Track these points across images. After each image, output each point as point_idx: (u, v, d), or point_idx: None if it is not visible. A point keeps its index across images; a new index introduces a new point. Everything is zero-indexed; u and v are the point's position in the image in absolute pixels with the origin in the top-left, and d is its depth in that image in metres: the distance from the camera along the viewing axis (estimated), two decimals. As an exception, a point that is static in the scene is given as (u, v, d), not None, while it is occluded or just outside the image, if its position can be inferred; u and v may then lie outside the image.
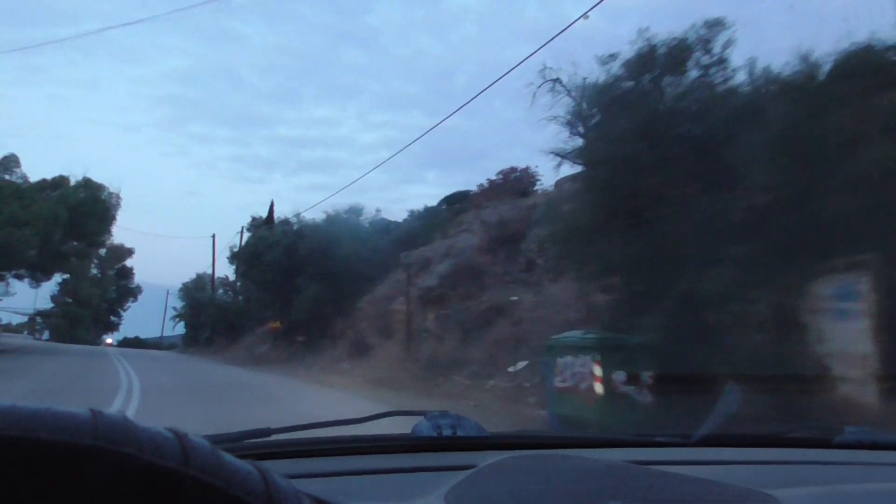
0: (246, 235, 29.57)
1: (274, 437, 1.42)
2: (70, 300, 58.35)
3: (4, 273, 25.72)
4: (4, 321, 47.82)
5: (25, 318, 51.42)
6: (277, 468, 1.00)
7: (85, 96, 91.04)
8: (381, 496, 1.17)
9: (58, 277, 61.26)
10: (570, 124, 11.80)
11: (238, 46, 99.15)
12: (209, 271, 38.27)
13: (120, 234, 74.45)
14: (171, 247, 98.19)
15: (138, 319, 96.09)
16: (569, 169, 12.55)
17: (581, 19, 10.12)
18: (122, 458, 0.43)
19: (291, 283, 24.33)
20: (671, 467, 1.25)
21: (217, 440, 1.25)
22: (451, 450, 1.44)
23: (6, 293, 28.41)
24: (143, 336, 63.50)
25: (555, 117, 12.16)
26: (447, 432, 1.45)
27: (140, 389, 12.67)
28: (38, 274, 26.99)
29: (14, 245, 20.95)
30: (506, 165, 24.48)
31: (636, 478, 1.03)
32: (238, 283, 32.26)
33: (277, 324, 27.44)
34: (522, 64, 13.51)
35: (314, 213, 26.14)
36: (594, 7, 9.57)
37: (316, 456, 1.37)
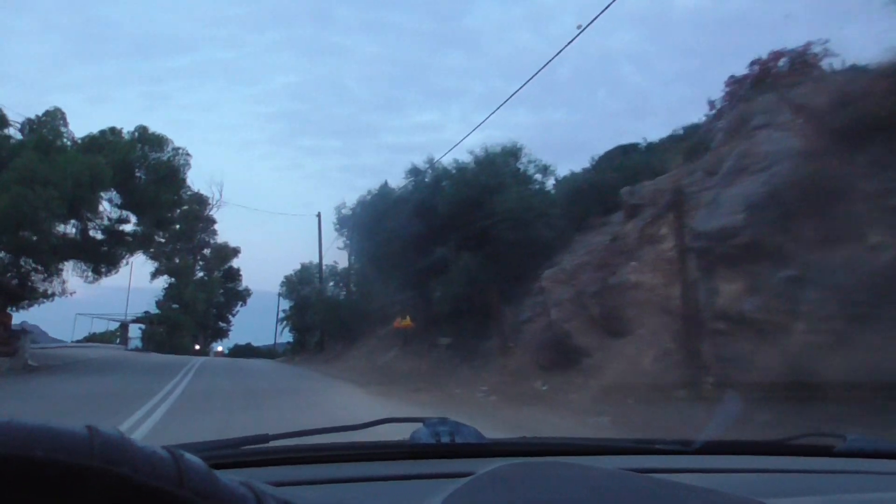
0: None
1: (272, 444, 1.41)
2: (176, 305, 54.11)
3: (27, 261, 19.01)
4: (97, 329, 43.21)
5: (134, 325, 46.87)
6: (275, 475, 1.18)
7: (204, 118, 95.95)
8: (378, 503, 1.15)
9: (163, 281, 58.08)
10: None
11: (342, 59, 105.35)
12: (316, 260, 31.09)
13: (225, 232, 70.41)
14: (281, 246, 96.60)
15: (250, 325, 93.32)
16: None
17: None
18: (118, 479, 0.43)
19: (428, 257, 16.11)
20: (671, 475, 1.21)
21: (215, 447, 1.34)
22: (450, 457, 1.43)
23: (62, 291, 21.89)
24: (255, 343, 60.16)
25: None
26: (445, 439, 1.44)
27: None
28: (82, 263, 20.17)
29: (27, 213, 13.86)
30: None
31: (635, 486, 0.98)
32: (351, 269, 24.44)
33: (408, 320, 19.33)
34: None
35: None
36: None
37: (314, 463, 1.38)
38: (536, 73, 14.31)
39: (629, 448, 1.63)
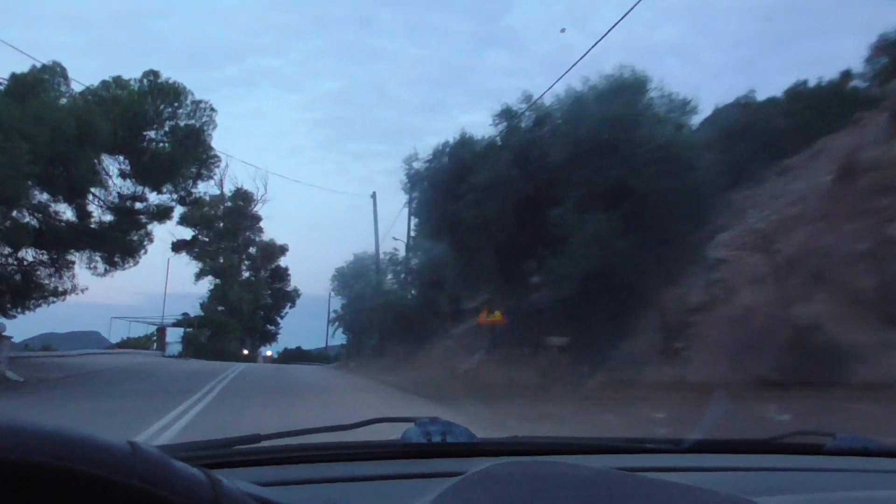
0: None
1: (263, 444, 1.39)
2: (222, 308, 50.75)
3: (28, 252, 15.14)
4: (135, 334, 39.84)
5: (173, 329, 43.59)
6: (265, 475, 1.18)
7: (252, 125, 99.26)
8: (368, 503, 1.15)
9: (208, 283, 55.06)
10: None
11: (385, 63, 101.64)
12: (371, 250, 26.82)
13: (272, 229, 66.92)
14: (332, 244, 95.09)
15: (300, 328, 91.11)
16: None
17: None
18: (155, 499, 0.43)
19: (532, 224, 11.47)
20: (661, 474, 1.20)
21: (206, 446, 1.33)
22: (441, 456, 1.42)
23: (72, 289, 18.04)
24: (306, 347, 56.51)
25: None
26: (436, 439, 1.43)
27: None
28: (90, 251, 16.14)
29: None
30: None
31: (624, 485, 0.98)
32: (416, 253, 19.85)
33: (497, 315, 14.81)
34: None
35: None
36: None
37: (304, 462, 1.36)
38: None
39: (620, 447, 1.59)
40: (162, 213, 16.76)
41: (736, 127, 13.16)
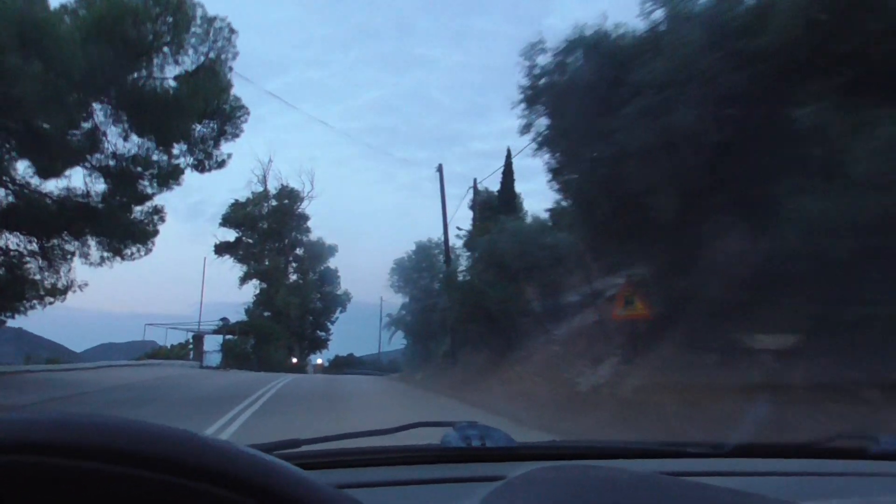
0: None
1: (303, 448, 1.39)
2: (268, 313, 47.22)
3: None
4: (171, 341, 36.43)
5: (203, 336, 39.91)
6: None
7: (297, 137, 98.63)
8: None
9: (254, 288, 51.85)
10: None
11: (427, 70, 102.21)
12: (437, 236, 22.39)
13: (319, 229, 63.83)
14: (387, 243, 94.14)
15: (351, 334, 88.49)
16: None
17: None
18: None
19: (756, 134, 6.72)
20: (702, 478, 1.20)
21: None
22: (481, 461, 1.41)
23: (70, 285, 14.14)
24: (358, 353, 53.69)
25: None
26: (476, 443, 1.43)
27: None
28: (88, 235, 12.07)
29: None
30: None
31: (667, 489, 0.97)
32: (497, 239, 15.09)
33: (639, 307, 10.16)
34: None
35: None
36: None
37: (345, 467, 1.36)
38: None
39: (661, 451, 1.57)
40: (167, 176, 12.49)
41: None
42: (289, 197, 50.20)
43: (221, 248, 47.54)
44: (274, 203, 50.19)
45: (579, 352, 12.72)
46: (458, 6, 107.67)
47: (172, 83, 11.05)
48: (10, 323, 16.69)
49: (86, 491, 0.43)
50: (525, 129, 9.46)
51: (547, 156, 9.78)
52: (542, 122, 9.37)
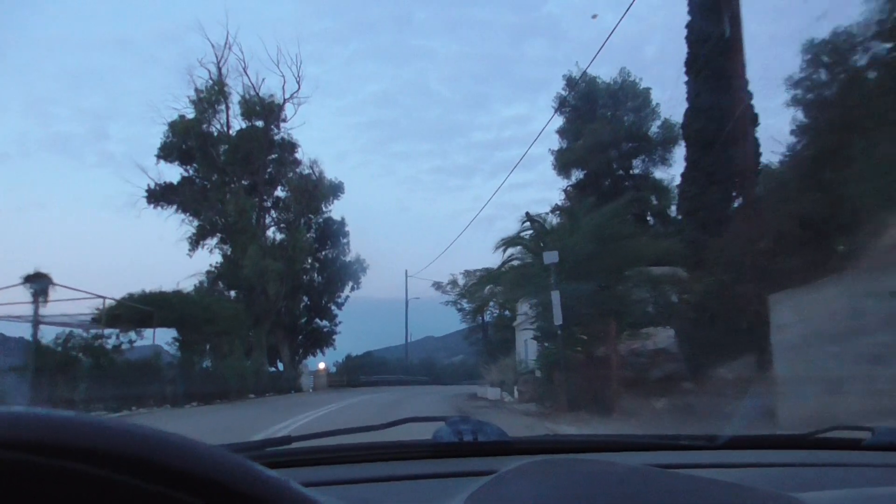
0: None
1: (295, 445, 1.40)
2: (233, 292, 29.98)
3: None
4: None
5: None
6: (298, 476, 1.04)
7: (297, 133, 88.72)
8: (401, 502, 1.14)
9: (217, 256, 31.55)
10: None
11: (426, 62, 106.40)
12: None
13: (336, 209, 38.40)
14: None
15: (365, 325, 64.01)
16: None
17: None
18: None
19: None
20: (696, 471, 1.19)
21: (239, 448, 1.32)
22: (473, 455, 1.42)
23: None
24: (375, 348, 41.01)
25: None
26: (468, 438, 1.42)
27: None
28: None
29: None
30: None
31: (659, 482, 0.95)
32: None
33: None
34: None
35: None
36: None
37: (336, 463, 1.38)
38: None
39: (653, 444, 1.57)
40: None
41: None
42: (262, 105, 31.89)
43: (156, 195, 31.08)
44: (238, 111, 31.58)
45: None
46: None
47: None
48: None
49: (24, 486, 0.40)
50: None
51: None
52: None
